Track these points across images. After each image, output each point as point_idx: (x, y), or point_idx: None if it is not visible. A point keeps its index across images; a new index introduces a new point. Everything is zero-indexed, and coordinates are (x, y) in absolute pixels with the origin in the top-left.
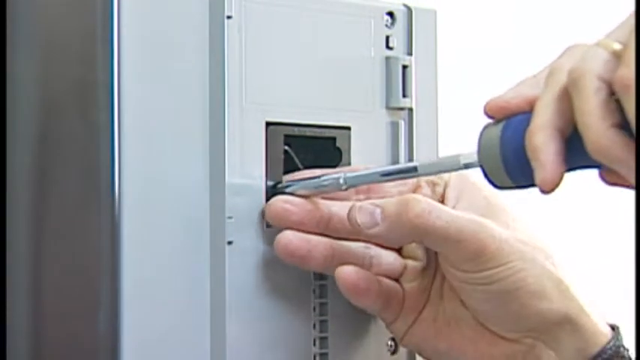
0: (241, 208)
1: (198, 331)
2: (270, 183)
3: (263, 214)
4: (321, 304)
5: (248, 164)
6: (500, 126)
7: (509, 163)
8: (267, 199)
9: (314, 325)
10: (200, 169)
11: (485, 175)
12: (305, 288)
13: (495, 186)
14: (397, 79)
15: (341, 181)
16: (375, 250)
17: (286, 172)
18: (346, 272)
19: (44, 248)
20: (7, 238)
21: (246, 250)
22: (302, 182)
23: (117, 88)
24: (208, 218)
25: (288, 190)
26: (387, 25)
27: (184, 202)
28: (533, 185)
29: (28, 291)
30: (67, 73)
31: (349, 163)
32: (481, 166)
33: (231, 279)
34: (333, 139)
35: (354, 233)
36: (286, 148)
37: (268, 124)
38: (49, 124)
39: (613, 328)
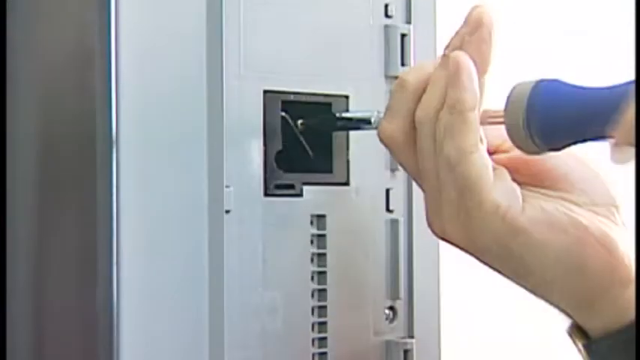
0: (239, 176)
1: (195, 302)
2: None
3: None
4: (320, 273)
5: (246, 132)
6: (532, 83)
7: (534, 120)
8: (265, 167)
9: (312, 294)
10: (198, 138)
11: (508, 134)
12: (303, 257)
13: (516, 146)
14: (396, 48)
15: (373, 119)
16: None
17: (284, 138)
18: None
19: (45, 223)
20: (8, 235)
21: (244, 219)
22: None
23: (114, 57)
24: (206, 187)
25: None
26: None
27: (182, 171)
28: (554, 149)
29: (28, 284)
30: (63, 41)
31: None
32: (505, 123)
33: (229, 248)
34: (329, 104)
35: None
36: (283, 114)
37: (266, 92)
38: (47, 102)
39: None
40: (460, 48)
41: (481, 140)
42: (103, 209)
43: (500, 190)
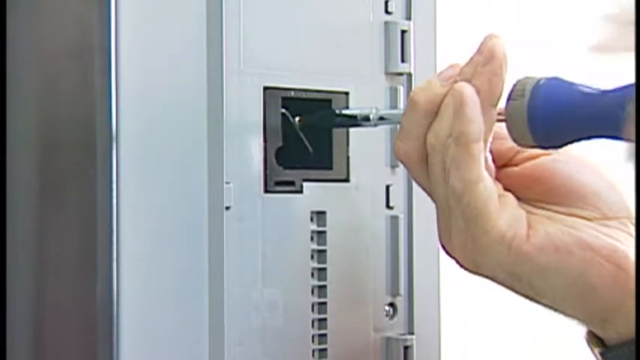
0: (239, 173)
1: (195, 298)
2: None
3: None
4: (320, 270)
5: (246, 129)
6: (533, 81)
7: (535, 117)
8: (265, 164)
9: (312, 291)
10: (198, 134)
11: (508, 130)
12: (303, 253)
13: (516, 142)
14: (396, 44)
15: (371, 116)
16: None
17: (284, 135)
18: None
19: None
20: (8, 235)
21: (244, 215)
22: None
23: (114, 54)
24: (206, 184)
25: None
26: None
27: (182, 167)
28: (553, 147)
29: (28, 284)
30: (63, 38)
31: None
32: (505, 120)
33: (229, 244)
34: (329, 101)
35: None
36: (283, 111)
37: (266, 88)
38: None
39: None
40: (471, 78)
41: (487, 165)
42: (102, 206)
43: (505, 219)
